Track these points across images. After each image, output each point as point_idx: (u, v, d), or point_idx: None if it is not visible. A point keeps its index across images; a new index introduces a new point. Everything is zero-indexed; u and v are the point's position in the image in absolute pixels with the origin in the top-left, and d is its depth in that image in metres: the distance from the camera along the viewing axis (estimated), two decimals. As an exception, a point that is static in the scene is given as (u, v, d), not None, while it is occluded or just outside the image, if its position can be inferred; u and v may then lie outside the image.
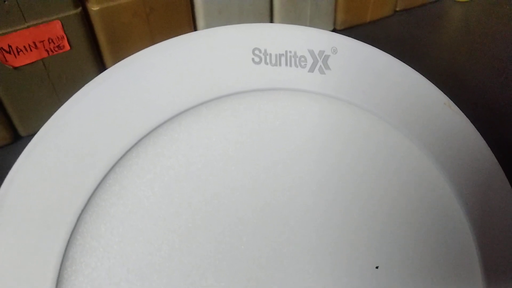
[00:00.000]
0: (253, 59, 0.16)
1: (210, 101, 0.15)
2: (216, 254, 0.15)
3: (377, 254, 0.16)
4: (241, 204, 0.15)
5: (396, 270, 0.16)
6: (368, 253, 0.16)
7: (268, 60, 0.16)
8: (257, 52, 0.16)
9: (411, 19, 0.44)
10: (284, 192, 0.16)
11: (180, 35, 0.16)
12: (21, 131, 0.32)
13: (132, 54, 0.35)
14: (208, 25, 0.35)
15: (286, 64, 0.16)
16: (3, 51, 0.29)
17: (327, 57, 0.16)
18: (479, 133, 0.17)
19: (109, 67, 0.32)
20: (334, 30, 0.41)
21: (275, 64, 0.16)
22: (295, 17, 0.37)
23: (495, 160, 0.17)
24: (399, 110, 0.17)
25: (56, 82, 0.32)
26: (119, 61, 0.36)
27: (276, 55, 0.16)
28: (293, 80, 0.16)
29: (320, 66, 0.16)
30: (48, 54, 0.30)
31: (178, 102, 0.15)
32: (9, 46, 0.29)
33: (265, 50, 0.16)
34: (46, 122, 0.35)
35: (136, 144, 0.15)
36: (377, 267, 0.15)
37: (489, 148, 0.17)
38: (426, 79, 0.17)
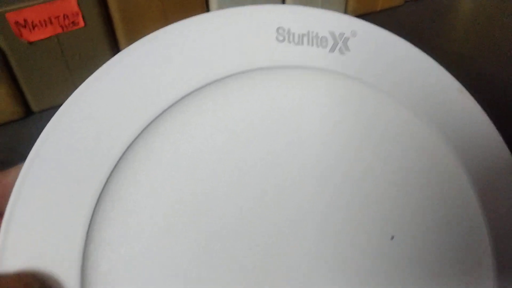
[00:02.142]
0: (277, 37, 0.17)
1: (235, 74, 0.17)
2: (236, 220, 0.16)
3: (392, 225, 0.17)
4: (264, 175, 0.17)
5: (410, 242, 0.17)
6: (383, 223, 0.17)
7: (291, 39, 0.17)
8: (281, 31, 0.17)
9: (421, 9, 0.46)
10: (302, 167, 0.17)
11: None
12: (34, 106, 0.34)
13: (146, 34, 0.37)
14: (221, 8, 0.36)
15: (308, 44, 0.17)
16: (19, 25, 0.30)
17: (347, 39, 0.18)
18: (490, 121, 0.19)
19: (122, 46, 0.34)
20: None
21: (298, 43, 0.17)
22: (306, 4, 0.38)
23: (506, 147, 0.19)
24: (413, 93, 0.18)
25: (70, 59, 0.33)
26: (132, 41, 0.38)
27: (299, 34, 0.17)
28: (315, 59, 0.17)
29: (340, 47, 0.17)
30: (63, 30, 0.32)
31: (205, 74, 0.16)
32: (25, 21, 0.30)
33: (289, 30, 0.17)
34: (59, 99, 0.36)
35: (164, 112, 0.16)
36: (392, 237, 0.17)
37: (499, 135, 0.19)
38: (440, 66, 0.19)
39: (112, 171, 0.15)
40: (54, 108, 0.34)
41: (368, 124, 0.18)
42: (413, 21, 0.44)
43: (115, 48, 0.34)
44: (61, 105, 0.38)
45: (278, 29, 0.17)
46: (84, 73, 0.35)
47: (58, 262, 0.15)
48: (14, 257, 0.15)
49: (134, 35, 0.34)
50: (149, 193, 0.16)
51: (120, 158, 0.16)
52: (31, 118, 0.34)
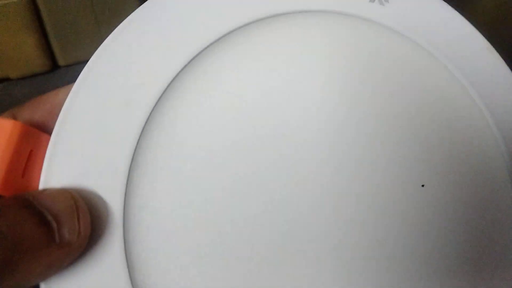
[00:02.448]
0: (320, -17, 0.18)
1: (276, 15, 0.17)
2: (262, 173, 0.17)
3: (423, 174, 0.18)
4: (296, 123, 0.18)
5: (441, 190, 0.18)
6: (414, 171, 0.18)
7: (334, -14, 0.18)
8: (323, -23, 0.18)
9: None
10: (335, 115, 0.18)
11: None
12: (60, 60, 0.34)
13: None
14: None
15: (350, -8, 0.18)
16: (53, -23, 0.31)
17: None
18: None
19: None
20: None
21: (340, -9, 0.18)
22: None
23: None
24: (445, 47, 0.19)
25: (99, 14, 0.34)
26: None
27: (341, -19, 0.18)
28: (355, 7, 0.18)
29: (381, -2, 0.18)
30: (95, -18, 0.32)
31: (242, 15, 0.17)
32: (59, -28, 0.31)
33: (332, -23, 0.18)
34: (86, 54, 0.37)
35: (206, 48, 0.17)
36: (423, 185, 0.18)
37: None
38: (471, 24, 0.19)
39: (159, 98, 0.16)
40: (80, 64, 0.35)
41: (398, 77, 0.19)
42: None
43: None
44: (87, 61, 0.39)
45: (320, -25, 0.18)
46: (112, 30, 0.36)
47: (103, 183, 0.15)
48: (61, 174, 0.15)
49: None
50: (191, 128, 0.17)
51: (168, 85, 0.17)
52: (57, 72, 0.35)
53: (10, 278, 0.13)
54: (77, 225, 0.14)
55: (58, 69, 0.35)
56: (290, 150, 0.17)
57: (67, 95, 0.16)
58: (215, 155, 0.17)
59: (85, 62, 0.40)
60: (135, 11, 0.17)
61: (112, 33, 0.17)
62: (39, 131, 0.16)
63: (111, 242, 0.15)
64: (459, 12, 0.20)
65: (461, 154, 0.19)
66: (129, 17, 0.17)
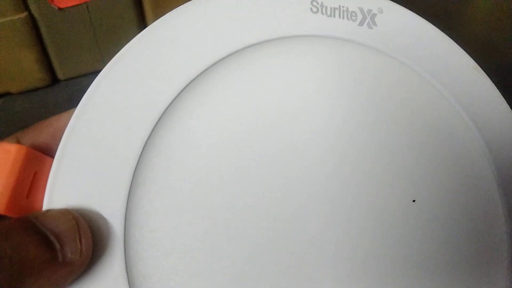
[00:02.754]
0: (311, 9, 0.19)
1: (272, 40, 0.18)
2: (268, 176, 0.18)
3: (413, 190, 0.19)
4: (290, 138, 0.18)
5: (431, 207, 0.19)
6: (405, 187, 0.19)
7: (324, 11, 0.19)
8: (315, 3, 0.19)
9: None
10: (321, 130, 0.19)
11: None
12: (60, 74, 0.35)
13: (172, 7, 0.38)
14: None
15: (340, 17, 0.19)
16: (51, -8, 0.32)
17: (374, 15, 0.19)
18: (502, 96, 0.21)
19: (149, 17, 0.35)
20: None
21: (330, 15, 0.19)
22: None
23: None
24: (432, 67, 0.20)
25: (97, 28, 0.34)
26: (159, 14, 0.39)
27: (331, 8, 0.19)
28: (345, 31, 0.19)
29: (369, 22, 0.19)
30: (93, -3, 0.33)
31: (243, 37, 0.18)
32: (57, -12, 0.32)
33: (322, 3, 0.19)
34: (85, 67, 0.38)
35: (207, 69, 0.18)
36: (414, 201, 0.19)
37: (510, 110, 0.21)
38: (457, 45, 0.20)
39: (157, 122, 0.17)
40: (79, 77, 0.36)
41: (388, 95, 0.20)
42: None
43: (142, 19, 0.36)
44: (87, 74, 0.40)
45: (312, 1, 0.19)
46: (110, 43, 0.37)
47: (105, 203, 0.16)
48: (63, 195, 0.16)
49: (162, 10, 0.35)
50: (190, 148, 0.18)
51: (165, 110, 0.17)
52: (56, 86, 0.36)
53: None
54: (79, 244, 0.15)
55: (57, 83, 0.36)
56: (288, 171, 0.18)
57: (69, 119, 0.17)
58: (212, 177, 0.17)
59: (84, 76, 0.41)
60: (134, 38, 0.18)
61: (111, 60, 0.17)
62: (42, 154, 0.17)
63: (112, 260, 0.16)
64: (447, 30, 0.20)
65: (450, 168, 0.20)
66: (127, 44, 0.18)
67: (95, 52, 0.35)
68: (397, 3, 0.20)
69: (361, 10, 0.19)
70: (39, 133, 0.18)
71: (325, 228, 0.18)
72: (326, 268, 0.18)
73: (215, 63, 0.18)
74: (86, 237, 0.15)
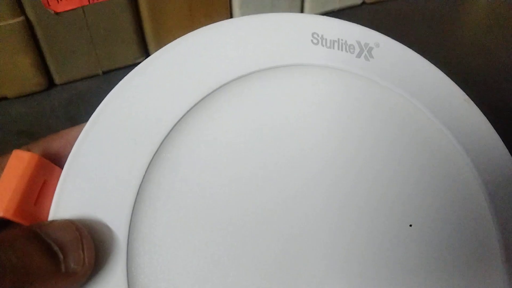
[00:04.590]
0: (312, 40, 0.21)
1: (274, 68, 0.20)
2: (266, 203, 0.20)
3: (410, 215, 0.21)
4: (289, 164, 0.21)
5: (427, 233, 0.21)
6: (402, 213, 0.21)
7: (324, 43, 0.21)
8: (315, 35, 0.21)
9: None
10: (319, 160, 0.21)
11: (217, 20, 0.21)
12: (56, 78, 0.37)
13: (169, 12, 0.40)
14: (243, 14, 0.39)
15: (339, 49, 0.21)
16: (47, -4, 0.33)
17: (371, 48, 0.22)
18: (492, 127, 0.23)
19: (146, 22, 0.37)
20: (363, 4, 0.45)
21: (330, 47, 0.21)
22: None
23: (506, 151, 0.23)
24: (426, 98, 0.22)
25: (94, 32, 0.36)
26: (156, 19, 0.41)
27: (330, 40, 0.21)
28: (343, 62, 0.21)
29: (365, 54, 0.21)
30: (89, 1, 0.35)
31: (248, 63, 0.20)
32: (53, -9, 0.33)
33: (322, 35, 0.21)
34: (82, 72, 0.40)
35: (214, 91, 0.20)
36: (410, 225, 0.21)
37: (500, 139, 0.23)
38: (449, 78, 0.23)
39: (164, 138, 0.19)
40: (76, 81, 0.37)
41: (383, 124, 0.22)
42: (432, 8, 0.47)
43: (138, 24, 0.37)
44: (83, 78, 0.43)
45: (313, 33, 0.21)
46: (106, 47, 0.39)
47: (109, 215, 0.17)
48: (69, 205, 0.17)
49: (158, 13, 0.37)
50: (194, 166, 0.19)
51: (173, 128, 0.19)
52: (53, 90, 0.37)
53: None
54: (82, 255, 0.16)
55: (54, 87, 0.37)
56: (288, 191, 0.20)
57: (79, 132, 0.18)
58: (216, 193, 0.19)
59: (80, 80, 0.43)
60: (147, 60, 0.20)
61: (122, 79, 0.19)
62: (52, 164, 0.18)
63: (114, 271, 0.17)
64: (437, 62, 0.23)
65: (441, 188, 0.22)
66: (137, 67, 0.19)
67: (92, 56, 0.37)
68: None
69: (359, 43, 0.21)
70: (50, 145, 0.19)
71: (326, 234, 0.20)
72: (328, 272, 0.20)
73: (222, 86, 0.20)
74: (89, 248, 0.16)
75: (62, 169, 0.18)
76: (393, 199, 0.21)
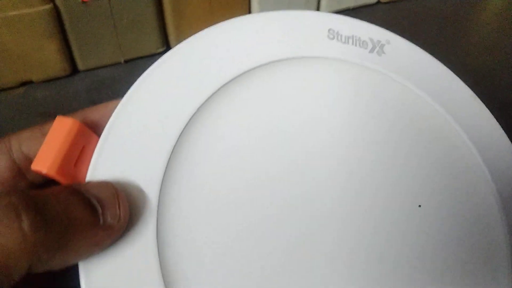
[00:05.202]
0: (328, 36, 0.23)
1: (293, 58, 0.22)
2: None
3: (419, 197, 0.22)
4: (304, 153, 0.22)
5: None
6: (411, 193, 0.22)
7: (339, 39, 0.23)
8: (331, 31, 0.23)
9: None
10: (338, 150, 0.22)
11: (235, 15, 0.23)
12: (80, 65, 0.39)
13: (191, 7, 0.42)
14: (262, 10, 0.41)
15: (353, 44, 0.23)
16: (76, -15, 0.35)
17: (382, 45, 0.24)
18: (497, 123, 0.25)
19: (168, 12, 0.39)
20: (378, 3, 0.47)
21: (345, 42, 0.23)
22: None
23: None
24: (435, 92, 0.24)
25: (118, 21, 0.38)
26: (177, 12, 0.44)
27: (345, 36, 0.23)
28: (357, 56, 0.23)
29: (378, 50, 0.23)
30: (115, -10, 0.37)
31: (267, 56, 0.22)
32: (81, -20, 0.35)
33: (338, 32, 0.23)
34: (104, 59, 0.42)
35: (236, 77, 0.22)
36: (419, 206, 0.22)
37: (505, 135, 0.24)
38: (455, 75, 0.25)
39: (192, 116, 0.21)
40: (98, 68, 0.40)
41: (394, 115, 0.24)
42: (446, 8, 0.48)
43: (160, 16, 0.40)
44: (106, 66, 0.45)
45: (329, 30, 0.23)
46: (129, 37, 0.41)
47: (142, 178, 0.19)
48: (105, 168, 0.19)
49: (179, 6, 0.39)
50: (220, 140, 0.21)
51: (200, 106, 0.21)
52: (76, 76, 0.39)
53: (62, 253, 0.15)
54: (118, 211, 0.17)
55: (77, 74, 0.40)
56: (304, 181, 0.21)
57: (115, 106, 0.20)
58: (244, 157, 0.21)
59: (103, 67, 0.45)
60: (178, 45, 0.22)
61: (154, 63, 0.21)
62: (91, 132, 0.20)
63: (145, 230, 0.18)
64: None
65: (450, 178, 0.23)
66: (172, 50, 0.22)
67: (115, 45, 0.39)
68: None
69: (371, 40, 0.23)
70: (89, 114, 0.21)
71: (343, 234, 0.21)
72: (337, 265, 0.21)
73: (242, 74, 0.22)
74: (124, 206, 0.17)
75: (99, 137, 0.19)
76: (402, 192, 0.22)
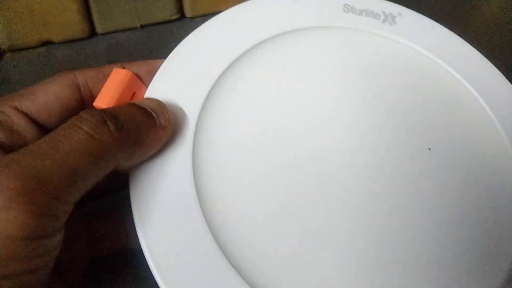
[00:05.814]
0: (343, 9, 0.26)
1: (312, 28, 0.25)
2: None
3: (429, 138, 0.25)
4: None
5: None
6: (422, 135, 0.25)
7: (353, 11, 0.26)
8: (346, 5, 0.26)
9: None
10: (360, 115, 0.25)
11: None
12: (98, 27, 0.41)
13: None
14: None
15: (367, 16, 0.26)
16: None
17: (394, 16, 0.27)
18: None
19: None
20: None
21: (359, 15, 0.26)
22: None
23: None
24: (446, 55, 0.27)
25: (137, -12, 0.40)
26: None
27: (359, 9, 0.26)
28: (371, 25, 0.26)
29: (390, 20, 0.26)
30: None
31: (291, 24, 0.25)
32: None
33: (352, 6, 0.26)
34: (122, 23, 0.44)
35: (262, 42, 0.25)
36: (429, 149, 0.24)
37: None
38: (463, 40, 0.28)
39: (226, 69, 0.24)
40: (115, 32, 0.42)
41: (407, 77, 0.26)
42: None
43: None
44: (123, 30, 0.48)
45: (344, 4, 0.26)
46: (146, 3, 0.43)
47: (185, 106, 0.22)
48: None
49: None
50: (249, 95, 0.24)
51: (234, 61, 0.24)
52: (94, 38, 0.42)
53: (139, 148, 0.20)
54: (167, 115, 0.21)
55: (95, 36, 0.42)
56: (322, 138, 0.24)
57: (161, 63, 0.24)
58: (271, 106, 0.24)
59: (120, 31, 0.47)
60: (218, 15, 0.25)
61: (196, 28, 0.24)
62: (141, 82, 0.24)
63: (184, 144, 0.22)
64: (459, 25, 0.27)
65: (461, 128, 0.26)
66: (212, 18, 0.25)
67: (132, 9, 0.41)
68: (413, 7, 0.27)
69: (384, 12, 0.26)
70: (140, 68, 0.24)
71: (357, 188, 0.23)
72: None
73: (268, 39, 0.25)
74: (171, 113, 0.22)
75: (147, 87, 0.23)
76: (416, 137, 0.25)
